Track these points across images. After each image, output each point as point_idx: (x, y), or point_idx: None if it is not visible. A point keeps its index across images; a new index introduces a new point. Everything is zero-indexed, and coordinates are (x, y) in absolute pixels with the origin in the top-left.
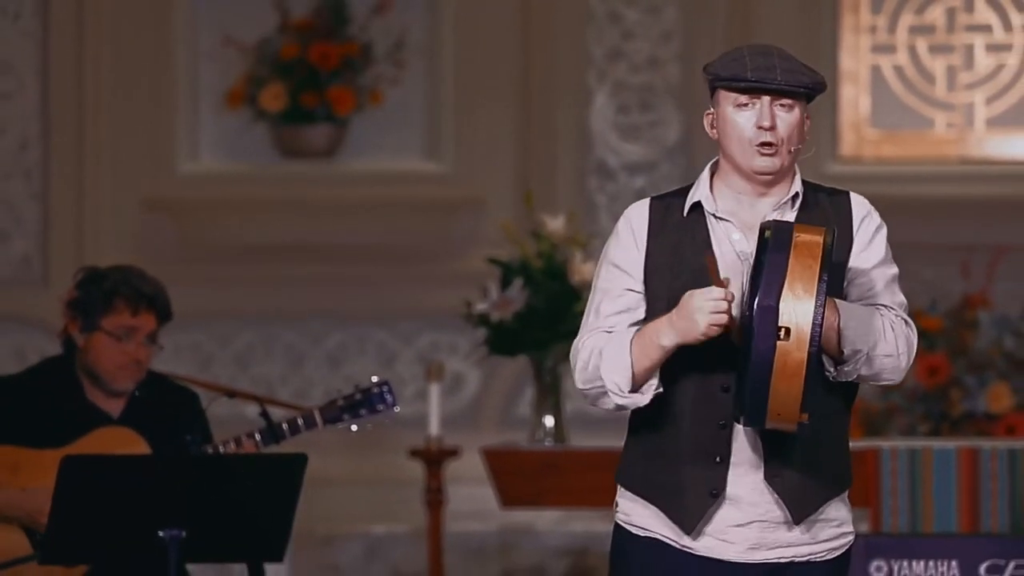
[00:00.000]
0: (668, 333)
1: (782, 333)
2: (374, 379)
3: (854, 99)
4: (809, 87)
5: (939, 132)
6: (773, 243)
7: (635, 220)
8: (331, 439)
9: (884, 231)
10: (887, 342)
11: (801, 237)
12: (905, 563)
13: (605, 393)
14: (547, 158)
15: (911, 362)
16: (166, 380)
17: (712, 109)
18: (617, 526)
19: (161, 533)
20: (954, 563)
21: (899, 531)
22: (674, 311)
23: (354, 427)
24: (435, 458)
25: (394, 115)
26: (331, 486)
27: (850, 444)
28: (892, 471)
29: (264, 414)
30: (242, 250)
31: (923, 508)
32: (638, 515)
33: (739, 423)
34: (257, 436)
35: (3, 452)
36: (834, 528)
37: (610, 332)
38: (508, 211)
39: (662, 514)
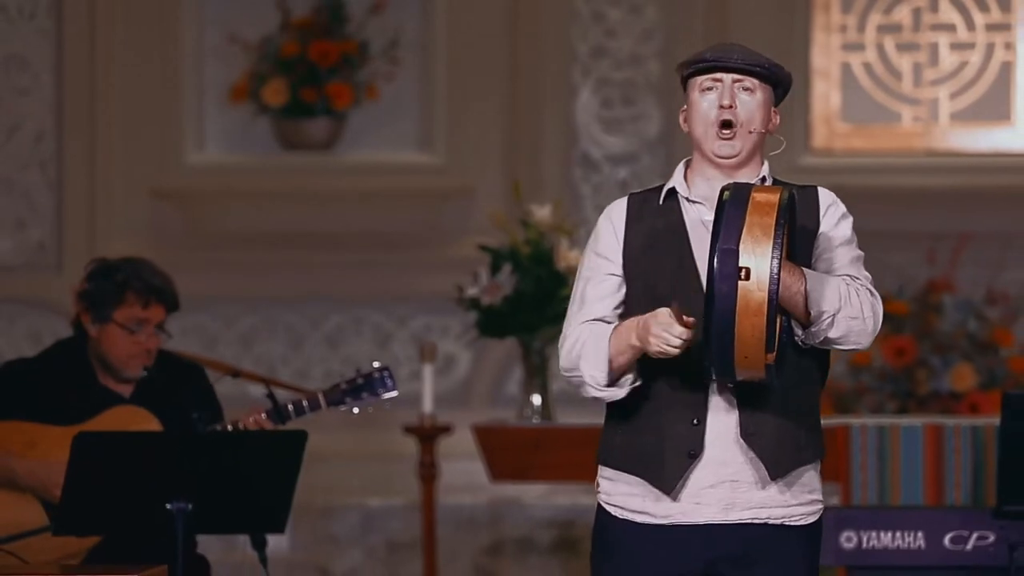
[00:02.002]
0: (636, 340)
1: (742, 274)
2: (375, 364)
3: (825, 94)
4: (765, 67)
5: (906, 126)
6: (731, 200)
7: (614, 214)
8: (330, 417)
9: (850, 220)
10: (852, 306)
11: (758, 196)
12: (874, 534)
13: (584, 382)
14: (534, 150)
15: (878, 328)
16: (174, 358)
17: (685, 105)
18: (599, 507)
19: (169, 506)
20: (920, 534)
21: (868, 504)
22: (643, 319)
23: (355, 410)
24: (428, 434)
25: (389, 109)
26: (330, 461)
27: (821, 421)
28: (861, 447)
29: (271, 396)
30: (245, 237)
31: (891, 482)
32: (618, 493)
33: (710, 377)
34: (264, 416)
35: (20, 428)
36: (807, 494)
37: (594, 322)
38: (497, 200)
39: (643, 484)
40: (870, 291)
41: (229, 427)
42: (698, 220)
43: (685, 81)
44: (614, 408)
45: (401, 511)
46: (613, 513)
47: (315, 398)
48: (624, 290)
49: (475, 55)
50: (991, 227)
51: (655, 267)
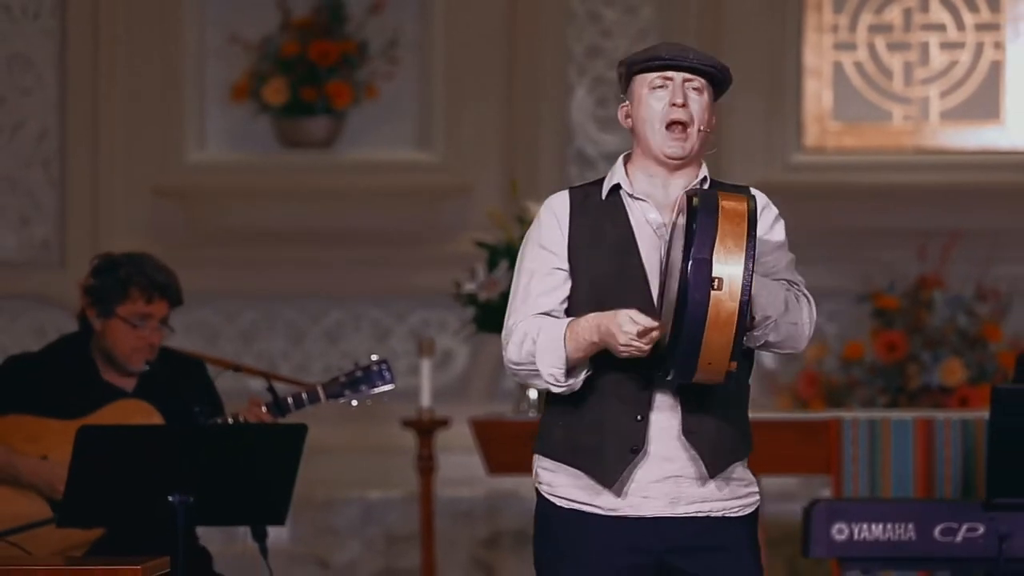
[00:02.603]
0: (595, 338)
1: (715, 284)
2: (374, 357)
3: (817, 93)
4: (718, 68)
5: (897, 124)
6: (702, 207)
7: (557, 206)
8: (330, 410)
9: (783, 223)
10: (792, 311)
11: (726, 204)
12: (865, 526)
13: (538, 376)
14: (530, 148)
15: (812, 333)
16: (176, 353)
17: (627, 101)
18: (540, 497)
19: (170, 498)
20: (911, 526)
21: (859, 496)
22: (604, 317)
23: (354, 402)
24: (426, 428)
25: (388, 108)
26: (329, 454)
27: (805, 415)
28: (853, 440)
29: (271, 389)
30: (246, 234)
31: (882, 475)
32: (560, 484)
33: (667, 378)
34: (264, 409)
35: (23, 422)
36: (744, 487)
37: (541, 316)
38: (494, 198)
39: (584, 476)
40: (807, 297)
41: (230, 420)
42: (643, 218)
43: (628, 77)
44: (555, 399)
45: (400, 503)
46: (558, 504)
47: (314, 391)
48: (569, 284)
49: (473, 55)
50: (981, 224)
51: (601, 265)
